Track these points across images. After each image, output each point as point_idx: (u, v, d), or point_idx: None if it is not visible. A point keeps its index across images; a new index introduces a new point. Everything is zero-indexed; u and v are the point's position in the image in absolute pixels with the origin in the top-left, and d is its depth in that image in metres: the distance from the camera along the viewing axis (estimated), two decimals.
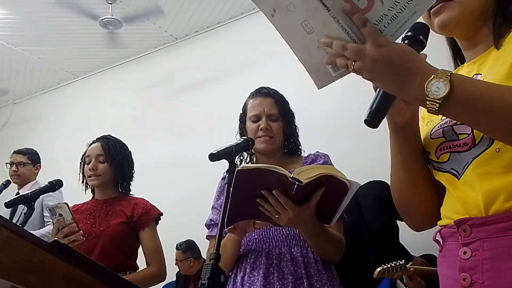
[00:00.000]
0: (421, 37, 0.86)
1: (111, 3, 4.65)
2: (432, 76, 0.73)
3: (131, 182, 2.27)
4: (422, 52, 0.86)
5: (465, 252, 0.80)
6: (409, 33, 0.85)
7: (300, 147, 1.75)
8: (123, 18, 4.64)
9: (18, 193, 3.28)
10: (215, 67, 5.14)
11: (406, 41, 0.86)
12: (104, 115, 5.63)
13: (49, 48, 5.55)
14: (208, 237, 1.67)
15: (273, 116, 1.67)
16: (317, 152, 1.70)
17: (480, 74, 0.88)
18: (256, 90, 1.76)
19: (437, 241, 0.90)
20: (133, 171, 2.29)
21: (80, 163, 2.23)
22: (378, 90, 0.83)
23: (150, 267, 2.06)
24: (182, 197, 4.53)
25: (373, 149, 3.40)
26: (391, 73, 0.76)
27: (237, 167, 1.57)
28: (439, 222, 0.91)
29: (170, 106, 5.32)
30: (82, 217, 2.10)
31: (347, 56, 0.78)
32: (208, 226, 1.67)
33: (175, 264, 4.08)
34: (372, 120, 0.80)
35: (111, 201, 2.16)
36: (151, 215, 2.11)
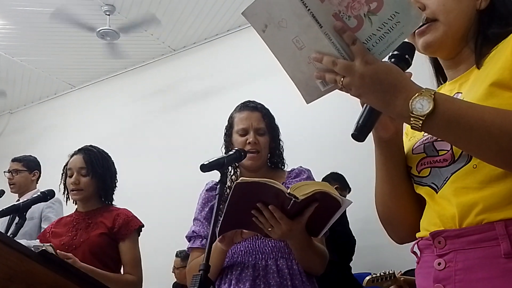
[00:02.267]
0: (407, 56, 0.89)
1: (108, 14, 4.69)
2: (417, 93, 0.76)
3: (114, 192, 2.25)
4: (407, 71, 0.89)
5: (439, 263, 0.83)
6: (395, 52, 0.88)
7: (284, 161, 1.76)
8: (120, 29, 4.68)
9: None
10: (213, 80, 5.16)
11: (393, 60, 0.89)
12: (100, 125, 5.65)
13: (46, 58, 5.58)
14: (189, 249, 1.66)
15: (261, 130, 1.68)
16: (300, 167, 1.72)
17: (461, 93, 0.91)
18: (242, 103, 1.76)
19: (414, 252, 0.93)
20: (116, 181, 2.26)
21: (62, 174, 2.21)
22: (365, 105, 0.86)
23: (129, 275, 2.05)
24: (172, 210, 4.51)
25: (360, 164, 3.45)
26: (377, 90, 0.79)
27: (227, 178, 1.57)
28: (417, 234, 0.93)
29: (166, 117, 5.34)
30: (65, 230, 2.09)
31: (336, 71, 0.81)
32: (190, 238, 1.67)
33: (172, 272, 4.06)
34: (359, 134, 0.83)
35: (93, 212, 2.14)
36: (132, 226, 2.08)
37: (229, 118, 1.77)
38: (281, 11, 0.82)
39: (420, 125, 0.76)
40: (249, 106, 1.73)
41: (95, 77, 6.10)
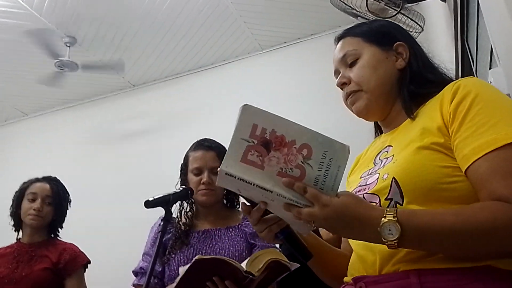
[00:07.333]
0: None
1: (69, 46, 4.66)
2: (382, 221, 0.80)
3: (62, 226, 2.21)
4: None
5: None
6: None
7: (239, 201, 1.77)
8: (82, 64, 4.64)
9: None
10: (169, 116, 5.17)
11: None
12: (51, 156, 5.49)
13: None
14: (135, 286, 1.62)
15: (215, 169, 1.67)
16: None
17: (392, 146, 1.00)
18: (198, 142, 1.77)
19: None
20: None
21: (18, 196, 2.13)
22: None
23: None
24: (119, 247, 4.39)
25: None
26: (344, 226, 0.84)
27: (172, 215, 1.56)
28: (344, 279, 0.99)
29: (118, 152, 5.27)
30: (4, 261, 2.00)
31: (304, 219, 0.86)
32: (136, 273, 1.62)
33: None
34: (305, 260, 0.97)
35: (37, 245, 2.07)
36: (79, 262, 2.03)
37: (184, 157, 1.77)
38: (239, 186, 0.88)
39: (396, 247, 0.80)
40: (204, 145, 1.74)
41: (49, 107, 5.96)
